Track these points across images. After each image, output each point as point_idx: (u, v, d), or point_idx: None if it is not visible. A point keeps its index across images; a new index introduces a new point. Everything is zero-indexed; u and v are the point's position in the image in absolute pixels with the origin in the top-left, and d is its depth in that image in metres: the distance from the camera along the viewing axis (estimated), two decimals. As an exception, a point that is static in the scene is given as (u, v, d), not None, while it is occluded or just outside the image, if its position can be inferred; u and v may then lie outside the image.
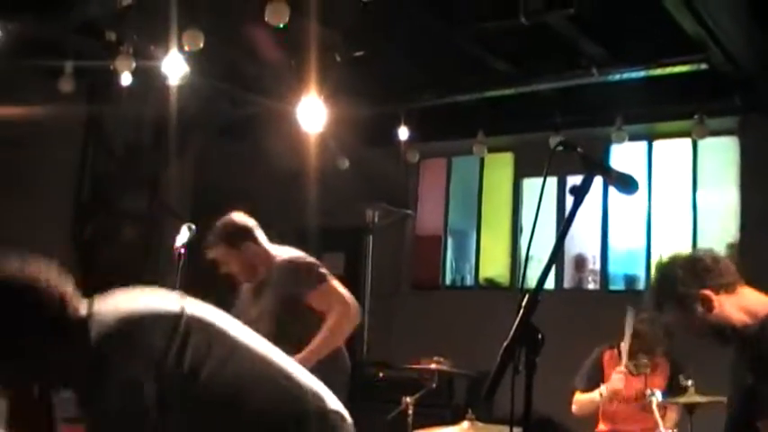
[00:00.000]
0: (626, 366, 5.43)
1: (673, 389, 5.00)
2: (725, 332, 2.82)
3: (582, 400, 5.49)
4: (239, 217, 4.41)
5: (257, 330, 4.20)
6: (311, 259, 4.45)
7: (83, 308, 2.32)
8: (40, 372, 2.35)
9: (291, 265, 4.37)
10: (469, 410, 4.85)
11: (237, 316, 4.28)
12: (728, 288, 2.85)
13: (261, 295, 4.36)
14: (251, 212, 4.59)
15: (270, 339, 4.17)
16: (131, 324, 2.27)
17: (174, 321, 2.33)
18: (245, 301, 4.44)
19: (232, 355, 2.43)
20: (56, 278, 2.31)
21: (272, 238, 4.50)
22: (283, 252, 4.45)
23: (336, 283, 4.35)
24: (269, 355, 2.57)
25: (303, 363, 4.06)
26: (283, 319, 4.22)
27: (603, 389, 5.29)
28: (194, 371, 2.30)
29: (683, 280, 2.85)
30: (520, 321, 1.95)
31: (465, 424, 4.84)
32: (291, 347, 4.21)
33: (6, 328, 2.21)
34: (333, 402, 2.55)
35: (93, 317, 2.29)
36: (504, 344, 1.93)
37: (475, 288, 8.93)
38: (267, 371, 2.49)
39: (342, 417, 2.55)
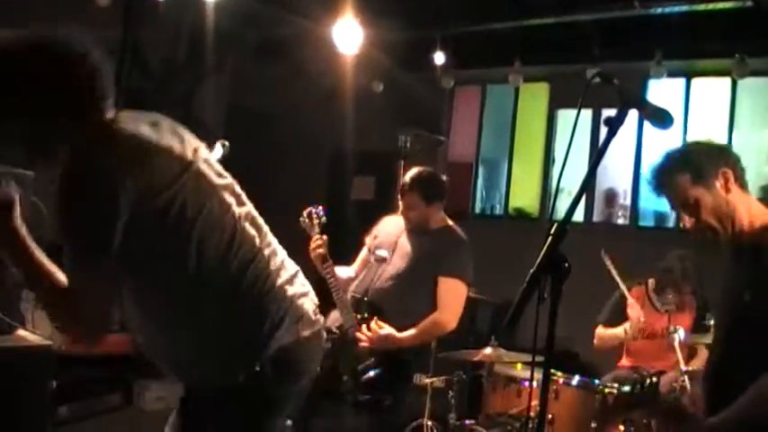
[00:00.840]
0: (649, 299, 5.47)
1: (699, 328, 5.03)
2: (725, 224, 2.76)
3: (604, 334, 5.54)
4: (439, 176, 4.79)
5: (386, 269, 4.36)
6: (467, 245, 4.68)
7: (110, 112, 2.29)
8: (42, 139, 2.27)
9: (456, 239, 4.63)
10: (492, 337, 4.92)
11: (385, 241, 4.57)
12: (744, 184, 2.84)
13: (408, 241, 4.61)
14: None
15: (392, 285, 4.43)
16: (144, 151, 2.22)
17: (183, 167, 2.29)
18: (390, 235, 4.70)
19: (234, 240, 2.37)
20: (104, 73, 2.28)
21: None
22: (447, 219, 4.73)
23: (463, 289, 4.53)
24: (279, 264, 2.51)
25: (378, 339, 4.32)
26: (409, 279, 4.47)
27: (628, 326, 5.33)
28: (183, 227, 2.24)
29: (709, 153, 2.84)
30: (547, 249, 1.97)
31: (488, 350, 4.91)
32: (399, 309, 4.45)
33: (39, 82, 2.17)
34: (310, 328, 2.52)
35: (115, 124, 2.25)
36: (531, 271, 1.95)
37: (504, 217, 8.95)
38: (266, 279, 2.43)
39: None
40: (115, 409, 6.76)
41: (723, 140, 7.64)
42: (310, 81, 7.69)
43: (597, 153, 2.14)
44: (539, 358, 2.09)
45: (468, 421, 4.78)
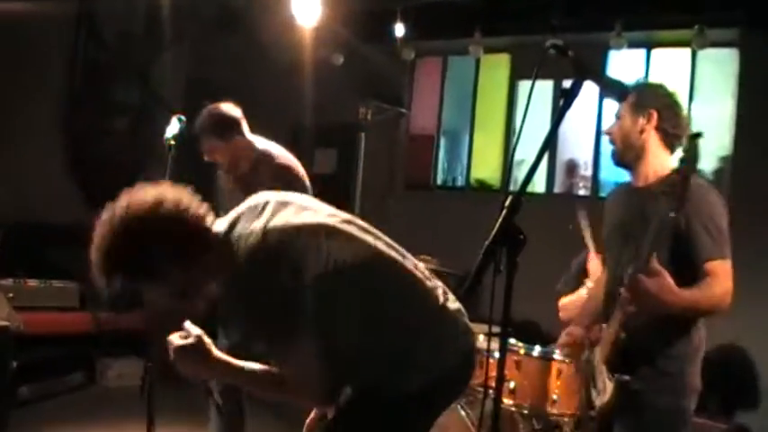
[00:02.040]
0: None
1: None
2: (627, 152, 3.20)
3: (567, 301, 5.56)
4: (228, 107, 4.36)
5: None
6: (299, 170, 4.42)
7: (219, 225, 2.43)
8: (192, 293, 2.43)
9: (282, 170, 4.33)
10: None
11: (218, 206, 4.30)
12: (668, 144, 3.19)
13: (242, 191, 4.28)
14: (244, 106, 4.56)
15: None
16: (278, 241, 2.32)
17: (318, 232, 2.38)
18: (225, 193, 4.40)
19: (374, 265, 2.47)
20: (192, 201, 2.39)
21: (264, 133, 4.47)
22: (270, 147, 4.41)
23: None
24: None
25: None
26: None
27: (589, 283, 5.36)
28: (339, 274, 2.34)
29: (658, 96, 3.19)
30: (502, 221, 1.96)
31: (449, 322, 4.91)
32: None
33: (162, 255, 2.27)
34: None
35: (233, 233, 2.38)
36: (486, 243, 1.94)
37: (466, 189, 8.94)
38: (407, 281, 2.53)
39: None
40: (77, 388, 6.73)
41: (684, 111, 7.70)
42: (270, 54, 7.62)
43: (552, 124, 2.14)
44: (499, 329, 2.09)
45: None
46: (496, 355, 2.81)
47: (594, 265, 5.26)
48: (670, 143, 3.16)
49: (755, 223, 5.53)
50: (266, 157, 4.27)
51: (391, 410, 2.44)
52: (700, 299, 2.91)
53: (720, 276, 2.89)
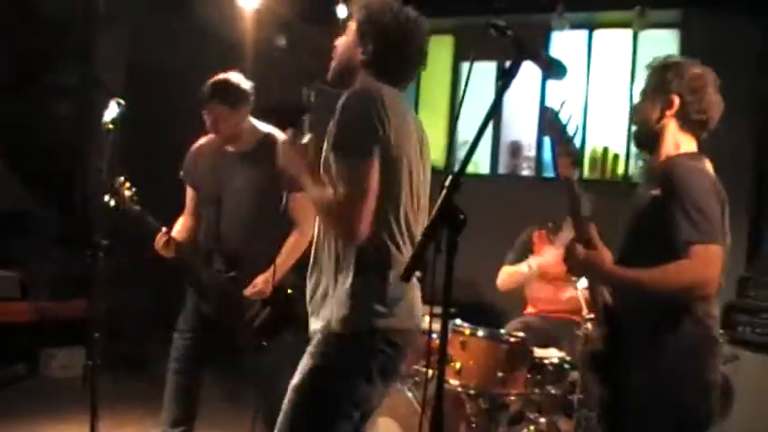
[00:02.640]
0: (549, 242, 5.56)
1: None
2: (646, 134, 3.06)
3: (507, 271, 5.61)
4: (239, 78, 4.34)
5: (239, 202, 4.18)
6: None
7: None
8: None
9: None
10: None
11: (220, 180, 4.26)
12: (689, 128, 3.01)
13: (244, 167, 4.26)
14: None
15: (250, 216, 4.13)
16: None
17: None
18: (228, 167, 4.32)
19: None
20: None
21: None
22: (270, 129, 4.35)
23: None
24: None
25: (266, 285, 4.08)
26: (263, 199, 4.13)
27: (533, 261, 5.42)
28: None
29: (684, 79, 2.99)
30: (442, 201, 1.96)
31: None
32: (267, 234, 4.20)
33: None
34: None
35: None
36: (426, 223, 1.93)
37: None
38: None
39: None
40: (19, 380, 6.61)
41: (625, 92, 7.78)
42: (211, 36, 7.52)
43: (492, 104, 2.12)
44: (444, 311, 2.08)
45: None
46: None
47: (550, 255, 5.34)
48: (692, 128, 2.99)
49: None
50: (275, 139, 4.21)
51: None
52: (658, 279, 2.75)
53: (695, 260, 2.69)
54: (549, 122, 3.04)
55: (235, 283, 4.22)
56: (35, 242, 6.87)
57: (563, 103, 3.01)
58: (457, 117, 2.33)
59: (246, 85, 4.36)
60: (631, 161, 7.87)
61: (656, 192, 2.85)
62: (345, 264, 2.69)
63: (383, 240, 2.68)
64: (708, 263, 2.71)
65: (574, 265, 2.95)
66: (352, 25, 2.92)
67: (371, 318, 2.64)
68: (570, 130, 3.00)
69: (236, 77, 4.33)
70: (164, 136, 6.36)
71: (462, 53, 8.57)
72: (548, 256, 5.42)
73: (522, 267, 5.50)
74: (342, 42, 2.97)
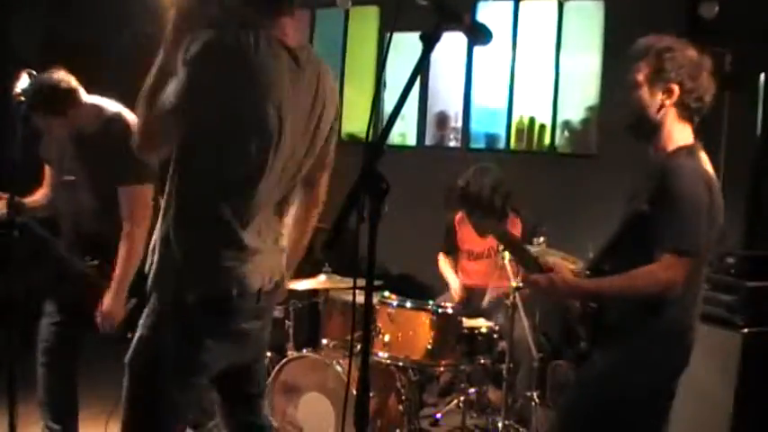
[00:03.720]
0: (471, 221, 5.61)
1: (528, 239, 5.20)
2: (644, 126, 2.96)
3: (441, 265, 5.71)
4: (60, 77, 3.91)
5: (82, 185, 3.90)
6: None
7: None
8: None
9: (124, 132, 3.71)
10: (326, 264, 4.89)
11: (66, 161, 3.97)
12: (686, 116, 2.97)
13: (87, 149, 3.91)
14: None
15: (95, 200, 3.88)
16: None
17: None
18: (72, 148, 3.97)
19: None
20: None
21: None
22: (118, 109, 3.97)
23: (150, 190, 3.83)
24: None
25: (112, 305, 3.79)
26: (107, 184, 3.81)
27: (453, 288, 5.52)
28: None
29: (676, 63, 2.92)
30: (363, 169, 1.90)
31: (321, 277, 4.88)
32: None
33: None
34: None
35: None
36: (348, 192, 1.88)
37: (338, 143, 8.84)
38: None
39: None
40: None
41: (550, 63, 7.81)
42: (130, 8, 7.30)
43: (413, 71, 2.07)
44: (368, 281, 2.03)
45: (305, 350, 4.74)
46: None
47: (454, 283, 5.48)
48: (689, 115, 2.96)
49: (621, 173, 5.65)
50: (118, 117, 3.93)
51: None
52: (620, 286, 2.84)
53: (660, 266, 2.76)
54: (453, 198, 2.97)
55: (98, 272, 3.91)
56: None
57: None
58: (379, 87, 2.23)
59: (68, 80, 3.91)
60: (557, 131, 7.91)
61: (644, 207, 2.85)
62: None
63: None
64: (671, 268, 2.75)
65: (540, 294, 2.96)
66: None
67: None
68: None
69: (55, 78, 3.88)
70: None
71: (387, 24, 8.50)
72: (454, 289, 5.59)
73: (452, 284, 5.61)
74: None
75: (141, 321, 2.64)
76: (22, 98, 3.76)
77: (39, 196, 4.18)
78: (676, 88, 2.90)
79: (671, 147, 2.94)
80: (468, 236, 5.63)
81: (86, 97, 3.96)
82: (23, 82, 3.87)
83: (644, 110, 2.94)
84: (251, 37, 2.46)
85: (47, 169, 4.20)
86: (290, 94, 2.57)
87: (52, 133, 4.00)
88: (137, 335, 2.63)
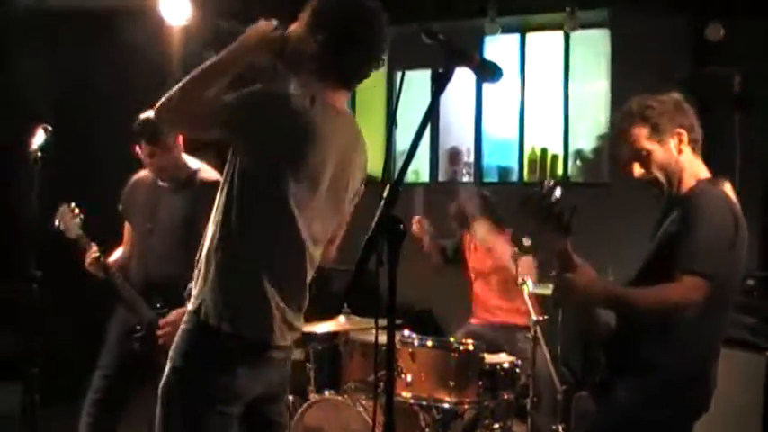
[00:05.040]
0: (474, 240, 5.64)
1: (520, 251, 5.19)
2: (672, 180, 3.03)
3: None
4: None
5: (165, 237, 4.02)
6: None
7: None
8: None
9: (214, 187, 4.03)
10: (345, 305, 4.87)
11: (150, 214, 4.09)
12: (696, 148, 3.07)
13: (172, 202, 4.11)
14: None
15: (177, 252, 3.97)
16: None
17: None
18: (158, 201, 4.17)
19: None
20: None
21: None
22: (199, 165, 4.21)
23: None
24: None
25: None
26: (190, 235, 3.95)
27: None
28: None
29: (670, 112, 3.02)
30: (381, 212, 1.90)
31: (341, 318, 4.87)
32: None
33: None
34: None
35: None
36: (366, 236, 1.88)
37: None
38: None
39: None
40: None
41: (559, 93, 7.83)
42: (139, 56, 7.38)
43: (427, 110, 2.08)
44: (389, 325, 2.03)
45: (327, 392, 4.72)
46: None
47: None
48: (696, 148, 3.07)
49: (633, 201, 5.64)
50: (204, 177, 4.08)
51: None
52: (636, 296, 2.89)
53: (677, 284, 2.80)
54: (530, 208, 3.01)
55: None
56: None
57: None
58: (392, 126, 2.28)
59: None
60: (570, 161, 7.91)
61: (672, 229, 2.93)
62: None
63: None
64: (687, 290, 2.79)
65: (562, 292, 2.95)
66: (304, 14, 2.77)
67: None
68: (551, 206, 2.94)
69: None
70: (96, 161, 6.23)
71: (395, 62, 8.54)
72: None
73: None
74: (293, 29, 2.79)
75: (173, 349, 2.65)
76: (39, 153, 3.82)
77: (121, 256, 4.35)
78: (683, 131, 3.00)
79: (694, 181, 3.02)
80: (474, 255, 5.68)
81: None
82: (39, 137, 3.94)
83: (665, 166, 3.02)
84: (308, 97, 2.64)
85: (126, 227, 4.34)
86: (339, 150, 2.71)
87: (154, 166, 4.13)
88: (168, 363, 2.65)
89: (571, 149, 7.89)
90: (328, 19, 2.71)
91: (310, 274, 2.82)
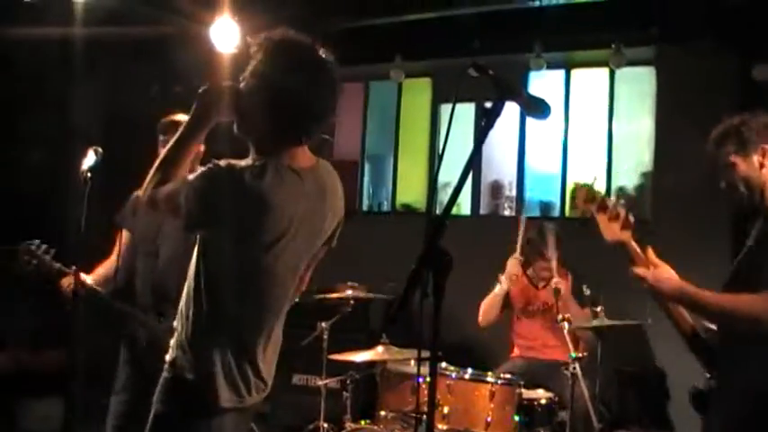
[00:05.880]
0: (526, 275, 5.60)
1: (577, 297, 5.20)
2: (753, 192, 3.10)
3: (484, 302, 5.64)
4: None
5: (174, 253, 4.02)
6: None
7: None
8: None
9: None
10: (383, 335, 4.88)
11: (157, 229, 4.10)
12: None
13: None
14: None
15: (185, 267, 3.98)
16: None
17: None
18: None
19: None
20: None
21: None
22: None
23: None
24: None
25: None
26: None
27: (501, 278, 5.46)
28: None
29: (758, 130, 3.11)
30: (427, 245, 1.92)
31: (379, 348, 4.87)
32: None
33: None
34: None
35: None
36: (412, 268, 1.90)
37: (392, 213, 8.91)
38: None
39: None
40: (-4, 434, 6.46)
41: (603, 130, 7.81)
42: (188, 82, 7.50)
43: (475, 144, 2.10)
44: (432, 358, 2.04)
45: (363, 421, 4.72)
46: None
47: (511, 265, 5.39)
48: None
49: (676, 238, 5.60)
50: None
51: None
52: (720, 301, 2.98)
53: (758, 297, 2.87)
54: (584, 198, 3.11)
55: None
56: (11, 291, 6.76)
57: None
58: (440, 159, 2.28)
59: None
60: (612, 197, 7.86)
61: (751, 243, 3.05)
62: None
63: None
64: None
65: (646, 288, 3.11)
66: (250, 66, 2.74)
67: None
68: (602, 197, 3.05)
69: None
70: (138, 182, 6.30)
71: (440, 95, 8.59)
72: (511, 266, 5.49)
73: (495, 290, 5.56)
74: (244, 86, 2.77)
75: (156, 396, 2.71)
76: (89, 175, 3.87)
77: (102, 273, 4.26)
78: (766, 146, 3.08)
79: None
80: (521, 293, 5.65)
81: None
82: (90, 159, 4.00)
83: (748, 180, 3.10)
84: (257, 168, 2.65)
85: (123, 237, 4.26)
86: (298, 211, 2.73)
87: None
88: (152, 410, 2.70)
89: (614, 186, 7.86)
90: (275, 79, 2.70)
91: (281, 324, 2.87)
